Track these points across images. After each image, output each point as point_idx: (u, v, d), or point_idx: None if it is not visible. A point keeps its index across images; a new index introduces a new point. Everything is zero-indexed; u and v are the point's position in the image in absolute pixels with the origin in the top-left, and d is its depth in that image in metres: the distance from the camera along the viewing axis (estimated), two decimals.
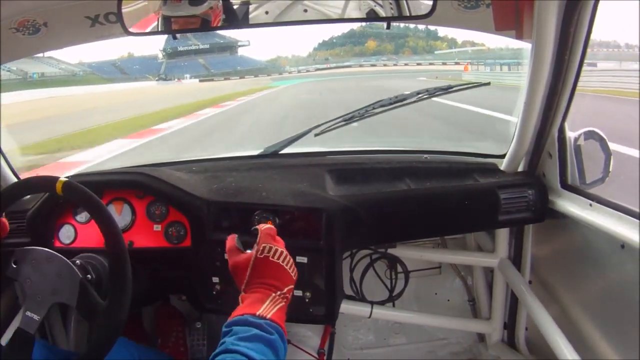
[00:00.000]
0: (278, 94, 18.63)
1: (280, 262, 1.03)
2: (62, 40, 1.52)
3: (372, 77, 21.87)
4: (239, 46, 28.43)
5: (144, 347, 1.49)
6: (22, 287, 1.10)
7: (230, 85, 24.56)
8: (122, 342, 1.40)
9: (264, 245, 1.03)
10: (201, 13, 1.27)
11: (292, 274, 1.04)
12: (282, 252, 1.04)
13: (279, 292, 1.00)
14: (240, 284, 1.03)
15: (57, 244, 1.49)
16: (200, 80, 27.76)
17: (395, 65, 26.88)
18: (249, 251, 1.05)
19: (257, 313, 0.95)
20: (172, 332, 1.88)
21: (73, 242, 1.49)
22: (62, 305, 1.13)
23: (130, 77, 28.43)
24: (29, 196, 1.20)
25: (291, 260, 1.05)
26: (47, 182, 1.19)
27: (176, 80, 27.92)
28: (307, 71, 27.58)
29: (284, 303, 1.00)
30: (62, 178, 1.15)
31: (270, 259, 1.02)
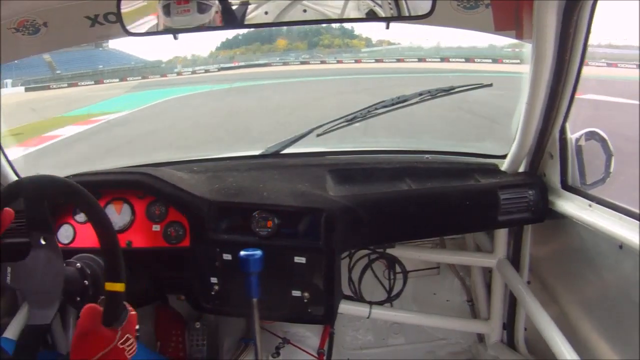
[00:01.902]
0: None
1: (128, 357, 0.99)
2: (62, 40, 1.52)
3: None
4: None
5: (147, 349, 1.49)
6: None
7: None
8: None
9: (128, 335, 1.00)
10: (209, 21, 1.26)
11: None
12: (133, 345, 1.01)
13: None
14: (80, 354, 0.95)
15: None
16: (27, 89, 16.67)
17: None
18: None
19: None
20: (172, 337, 1.87)
21: (72, 241, 1.50)
22: (61, 306, 1.13)
23: None
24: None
25: (135, 351, 1.02)
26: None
27: None
28: (207, 71, 18.02)
29: None
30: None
31: (125, 353, 0.99)
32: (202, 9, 1.24)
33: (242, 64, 19.14)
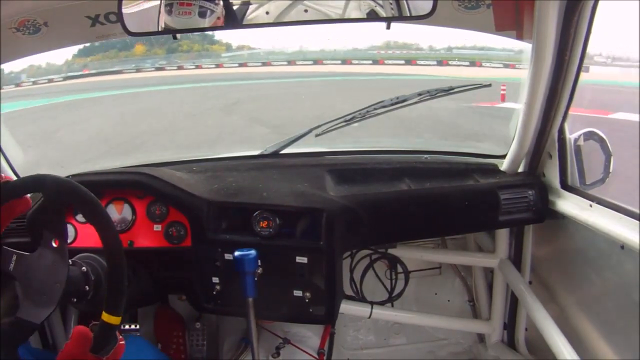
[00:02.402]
0: None
1: None
2: (62, 40, 1.52)
3: None
4: None
5: (156, 349, 1.49)
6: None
7: None
8: (138, 342, 1.43)
9: None
10: (211, 24, 1.26)
11: None
12: None
13: None
14: None
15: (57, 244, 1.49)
16: None
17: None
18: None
19: None
20: (173, 338, 1.86)
21: (73, 241, 1.49)
22: (61, 305, 1.12)
23: None
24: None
25: None
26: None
27: None
28: (51, 81, 15.59)
29: None
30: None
31: None
32: (203, 13, 1.25)
33: (93, 71, 16.96)
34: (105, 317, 1.00)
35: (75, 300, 1.11)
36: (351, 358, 2.08)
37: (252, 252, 1.37)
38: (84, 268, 1.11)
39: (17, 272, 1.03)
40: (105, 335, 1.00)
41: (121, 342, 1.03)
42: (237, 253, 1.37)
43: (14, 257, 1.04)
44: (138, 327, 1.56)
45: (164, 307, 1.89)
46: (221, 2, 1.25)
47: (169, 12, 1.23)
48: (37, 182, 1.06)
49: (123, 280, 1.02)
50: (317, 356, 1.94)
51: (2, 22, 1.36)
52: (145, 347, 1.46)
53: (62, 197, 1.04)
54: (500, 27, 1.42)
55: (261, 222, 1.44)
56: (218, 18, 1.27)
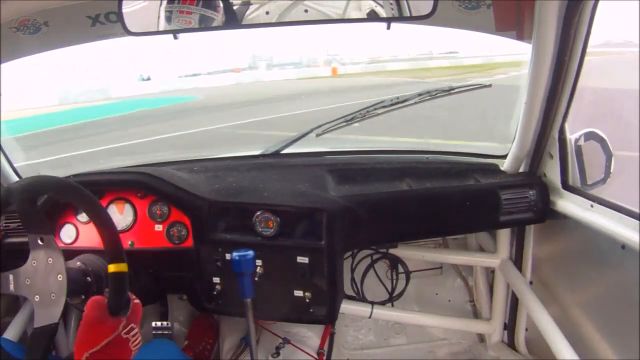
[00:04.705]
0: None
1: (132, 348, 1.00)
2: (62, 39, 1.52)
3: None
4: None
5: (179, 350, 1.50)
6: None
7: None
8: (164, 343, 1.45)
9: (132, 325, 1.00)
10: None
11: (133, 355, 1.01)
12: (138, 337, 1.01)
13: None
14: (85, 344, 0.95)
15: (59, 244, 1.48)
16: None
17: None
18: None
19: None
20: (201, 342, 1.88)
21: (74, 241, 1.49)
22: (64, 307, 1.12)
23: None
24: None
25: (140, 342, 1.02)
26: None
27: None
28: None
29: None
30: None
31: (129, 344, 0.99)
32: (204, 22, 1.24)
33: None
34: (111, 267, 0.99)
35: (83, 297, 1.11)
36: (351, 358, 2.08)
37: (250, 252, 1.36)
38: (78, 263, 1.12)
39: (19, 289, 1.04)
40: (119, 287, 0.99)
41: (135, 301, 1.03)
42: (234, 254, 1.36)
43: (11, 277, 1.05)
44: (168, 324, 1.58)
45: (205, 316, 1.93)
46: (222, 9, 1.25)
47: (169, 20, 1.22)
48: (3, 197, 1.07)
49: (112, 228, 1.03)
50: (317, 356, 1.94)
51: (3, 21, 1.36)
52: (170, 349, 1.46)
53: (29, 194, 1.05)
54: (500, 28, 1.42)
55: (262, 222, 1.44)
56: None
